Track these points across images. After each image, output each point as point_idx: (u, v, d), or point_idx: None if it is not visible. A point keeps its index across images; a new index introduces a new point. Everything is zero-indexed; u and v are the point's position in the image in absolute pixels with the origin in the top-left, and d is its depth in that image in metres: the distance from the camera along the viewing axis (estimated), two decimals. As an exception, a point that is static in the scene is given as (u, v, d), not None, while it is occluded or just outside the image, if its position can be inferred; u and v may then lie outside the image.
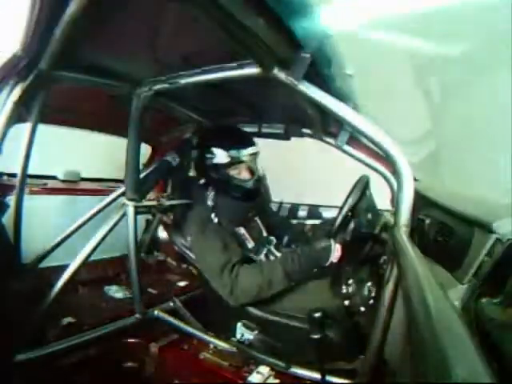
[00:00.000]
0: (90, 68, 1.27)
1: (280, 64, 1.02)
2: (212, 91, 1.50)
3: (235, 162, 1.61)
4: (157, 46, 1.13)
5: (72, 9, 0.80)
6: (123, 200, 1.64)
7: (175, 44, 1.10)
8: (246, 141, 1.66)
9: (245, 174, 1.66)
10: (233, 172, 1.63)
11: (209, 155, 1.61)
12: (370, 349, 1.09)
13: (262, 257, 1.65)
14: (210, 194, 1.65)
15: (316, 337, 1.22)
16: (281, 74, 1.03)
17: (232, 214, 1.63)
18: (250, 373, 1.42)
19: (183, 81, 1.31)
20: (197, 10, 0.76)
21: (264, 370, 1.42)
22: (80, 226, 1.85)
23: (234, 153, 1.59)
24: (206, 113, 2.06)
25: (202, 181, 1.70)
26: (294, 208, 2.90)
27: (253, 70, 1.08)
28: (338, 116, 1.06)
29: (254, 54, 0.97)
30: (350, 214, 1.43)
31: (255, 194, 1.73)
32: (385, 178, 1.70)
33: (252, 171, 1.69)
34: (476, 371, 0.30)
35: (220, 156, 1.59)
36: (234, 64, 1.13)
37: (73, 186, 2.36)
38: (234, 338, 1.57)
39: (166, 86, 1.38)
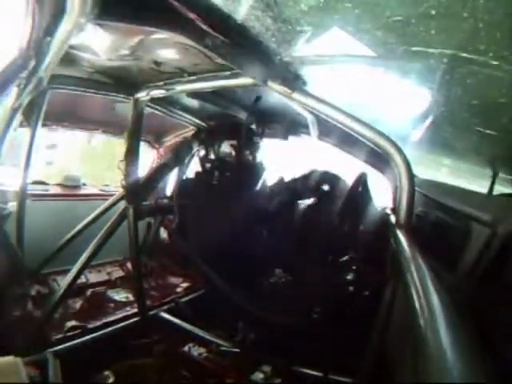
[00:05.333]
0: (89, 73, 1.29)
1: (274, 76, 1.02)
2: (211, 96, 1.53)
3: None
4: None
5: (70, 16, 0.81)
6: (123, 203, 1.65)
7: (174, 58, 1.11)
8: None
9: None
10: None
11: None
12: (370, 348, 1.08)
13: None
14: None
15: None
16: (275, 85, 1.02)
17: None
18: (253, 372, 1.42)
19: (180, 87, 1.33)
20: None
21: (266, 368, 1.42)
22: (82, 230, 1.86)
23: None
24: (206, 117, 2.08)
25: None
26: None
27: (248, 80, 1.07)
28: (335, 120, 1.05)
29: (249, 69, 0.98)
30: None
31: None
32: (384, 175, 1.70)
33: None
34: (476, 371, 0.30)
35: None
36: (229, 73, 1.13)
37: (73, 191, 2.38)
38: (236, 338, 1.58)
39: (164, 92, 1.41)
